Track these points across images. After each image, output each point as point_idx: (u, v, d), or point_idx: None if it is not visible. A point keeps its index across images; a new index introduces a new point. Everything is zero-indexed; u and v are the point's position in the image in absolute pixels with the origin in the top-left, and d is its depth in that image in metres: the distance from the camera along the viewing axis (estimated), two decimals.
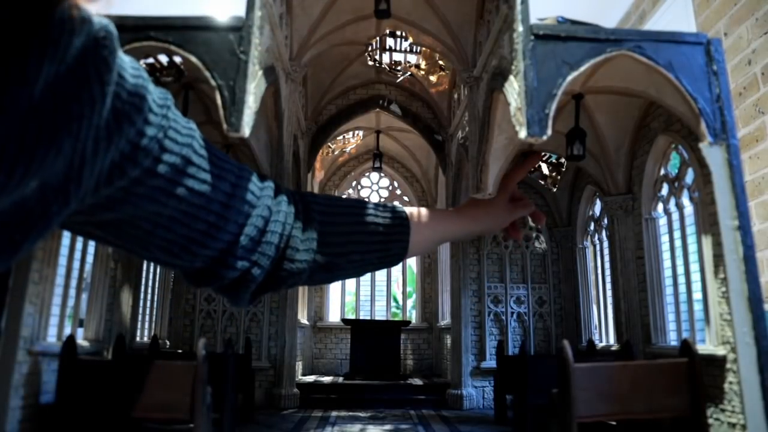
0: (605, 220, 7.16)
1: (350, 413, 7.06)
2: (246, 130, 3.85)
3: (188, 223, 0.55)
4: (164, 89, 0.52)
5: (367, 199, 0.72)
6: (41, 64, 0.36)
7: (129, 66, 0.45)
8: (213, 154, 0.57)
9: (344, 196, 0.74)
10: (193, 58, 3.96)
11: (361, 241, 0.70)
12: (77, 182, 0.41)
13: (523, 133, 3.78)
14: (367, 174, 11.40)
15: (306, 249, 0.65)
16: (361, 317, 10.72)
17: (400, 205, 0.75)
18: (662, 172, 6.07)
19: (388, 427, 6.13)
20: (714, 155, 3.84)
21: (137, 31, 3.99)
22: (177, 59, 5.14)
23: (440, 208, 0.85)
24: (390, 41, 8.77)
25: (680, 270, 5.74)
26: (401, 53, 8.92)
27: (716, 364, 4.62)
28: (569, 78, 3.86)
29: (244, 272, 0.62)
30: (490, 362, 7.67)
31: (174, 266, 0.59)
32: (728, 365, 4.51)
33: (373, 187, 11.53)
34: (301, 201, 0.68)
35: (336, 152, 10.66)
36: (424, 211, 0.78)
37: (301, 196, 0.69)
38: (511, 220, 0.86)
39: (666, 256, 6.01)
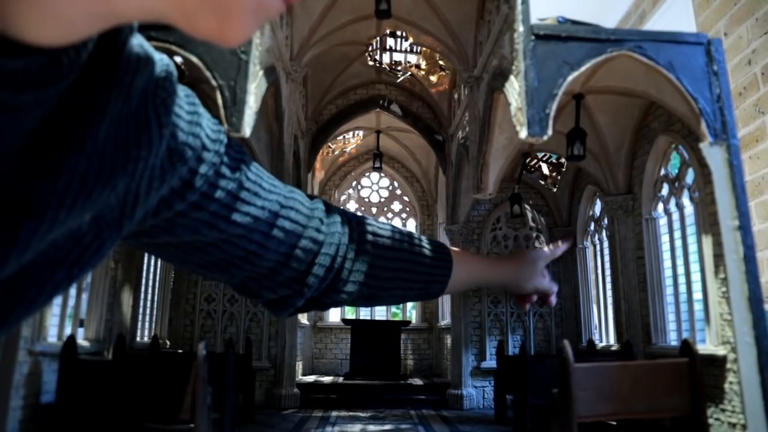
0: (605, 220, 7.16)
1: (350, 413, 7.06)
2: (247, 130, 3.85)
3: (227, 250, 0.55)
4: (216, 120, 0.51)
5: (414, 234, 0.73)
6: (107, 105, 0.36)
7: (185, 102, 0.45)
8: (260, 185, 0.56)
9: (396, 225, 0.73)
10: (194, 58, 3.96)
11: (406, 278, 0.70)
12: (130, 217, 0.42)
13: (523, 133, 3.78)
14: (367, 174, 11.39)
15: (354, 281, 0.65)
16: (361, 317, 10.72)
17: (446, 246, 0.75)
18: (662, 172, 6.07)
19: (388, 427, 6.14)
20: (714, 155, 3.84)
21: (138, 30, 3.99)
22: (178, 59, 5.13)
23: (478, 254, 0.83)
24: (390, 41, 8.78)
25: (680, 270, 5.74)
26: (401, 53, 8.92)
27: (716, 364, 4.62)
28: (570, 78, 3.86)
29: (284, 297, 0.63)
30: (490, 362, 7.67)
31: (214, 279, 0.61)
32: (728, 365, 4.51)
33: (373, 187, 11.52)
34: (357, 228, 0.67)
35: (336, 152, 10.66)
36: (464, 255, 0.78)
37: (357, 222, 0.68)
38: (537, 284, 0.83)
39: (666, 256, 6.01)
